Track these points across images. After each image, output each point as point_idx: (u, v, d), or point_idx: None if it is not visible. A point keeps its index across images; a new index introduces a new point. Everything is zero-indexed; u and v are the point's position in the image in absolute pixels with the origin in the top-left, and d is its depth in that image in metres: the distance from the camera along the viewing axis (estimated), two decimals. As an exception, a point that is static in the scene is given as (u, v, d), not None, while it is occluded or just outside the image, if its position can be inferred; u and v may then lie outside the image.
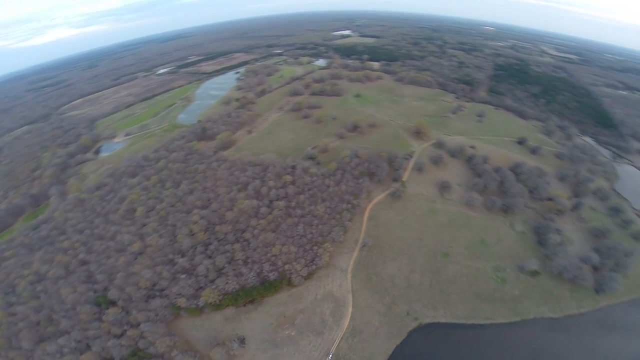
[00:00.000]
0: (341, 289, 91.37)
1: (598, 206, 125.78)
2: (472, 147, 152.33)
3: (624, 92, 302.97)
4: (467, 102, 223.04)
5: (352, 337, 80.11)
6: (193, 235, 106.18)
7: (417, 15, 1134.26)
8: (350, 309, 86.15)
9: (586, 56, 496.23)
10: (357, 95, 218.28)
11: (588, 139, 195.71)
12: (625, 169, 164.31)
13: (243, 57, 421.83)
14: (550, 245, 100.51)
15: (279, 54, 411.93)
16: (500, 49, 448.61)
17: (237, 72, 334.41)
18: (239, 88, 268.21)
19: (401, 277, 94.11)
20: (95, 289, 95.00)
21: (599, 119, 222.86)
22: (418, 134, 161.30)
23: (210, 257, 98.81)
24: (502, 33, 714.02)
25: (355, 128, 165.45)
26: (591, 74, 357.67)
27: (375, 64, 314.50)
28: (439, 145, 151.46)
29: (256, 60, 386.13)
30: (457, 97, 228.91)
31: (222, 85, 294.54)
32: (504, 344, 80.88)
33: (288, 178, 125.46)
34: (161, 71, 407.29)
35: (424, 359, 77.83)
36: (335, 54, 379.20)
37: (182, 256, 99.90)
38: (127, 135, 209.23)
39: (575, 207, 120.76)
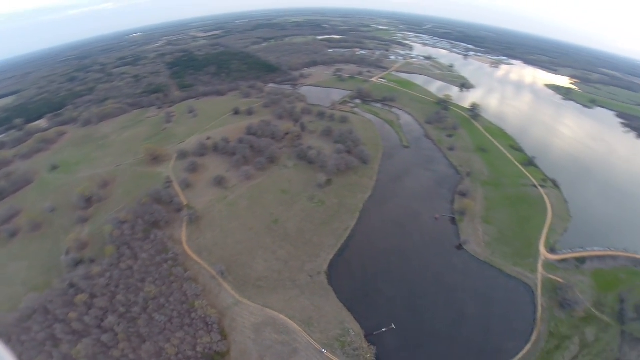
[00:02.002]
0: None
1: (314, 118, 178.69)
2: (209, 138, 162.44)
3: (264, 45, 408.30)
4: (171, 106, 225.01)
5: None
6: None
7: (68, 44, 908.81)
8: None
9: (226, 28, 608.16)
10: (54, 167, 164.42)
11: (272, 85, 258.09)
12: (303, 90, 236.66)
13: None
14: (314, 156, 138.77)
15: None
16: (160, 49, 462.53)
17: None
18: None
19: (264, 269, 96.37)
20: None
21: (265, 69, 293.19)
22: (156, 159, 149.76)
23: None
24: (149, 35, 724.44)
25: (89, 200, 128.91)
26: (237, 40, 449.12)
27: (42, 122, 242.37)
28: (183, 154, 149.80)
29: None
30: (159, 108, 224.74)
31: None
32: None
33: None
34: None
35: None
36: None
37: None
38: None
39: (302, 127, 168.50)
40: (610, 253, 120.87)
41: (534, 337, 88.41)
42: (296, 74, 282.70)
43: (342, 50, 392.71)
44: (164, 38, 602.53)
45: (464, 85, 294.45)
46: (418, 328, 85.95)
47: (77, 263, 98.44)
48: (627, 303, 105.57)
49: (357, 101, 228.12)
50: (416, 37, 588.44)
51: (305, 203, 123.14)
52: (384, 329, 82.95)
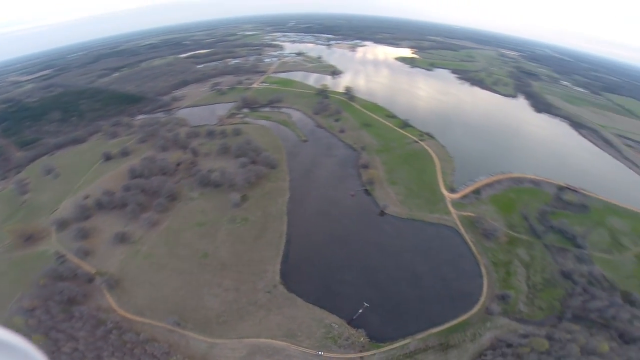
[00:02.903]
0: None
1: (204, 140, 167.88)
2: (86, 197, 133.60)
3: (115, 75, 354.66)
4: (19, 172, 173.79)
5: None
6: None
7: None
8: None
9: (56, 66, 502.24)
10: None
11: (142, 116, 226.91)
12: (182, 113, 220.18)
13: None
14: (218, 178, 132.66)
15: None
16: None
17: None
18: None
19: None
20: None
21: (126, 101, 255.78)
22: (30, 239, 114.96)
23: None
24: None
25: None
26: (78, 76, 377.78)
27: None
28: (62, 224, 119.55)
29: None
30: (2, 179, 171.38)
31: None
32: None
33: None
34: None
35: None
36: None
37: None
38: None
39: (194, 152, 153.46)
40: (494, 179, 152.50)
41: (484, 271, 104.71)
42: (167, 98, 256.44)
43: (213, 63, 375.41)
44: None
45: (334, 72, 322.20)
46: (387, 297, 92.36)
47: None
48: (530, 218, 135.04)
49: (245, 110, 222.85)
50: (283, 36, 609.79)
51: (228, 226, 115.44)
52: (360, 310, 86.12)
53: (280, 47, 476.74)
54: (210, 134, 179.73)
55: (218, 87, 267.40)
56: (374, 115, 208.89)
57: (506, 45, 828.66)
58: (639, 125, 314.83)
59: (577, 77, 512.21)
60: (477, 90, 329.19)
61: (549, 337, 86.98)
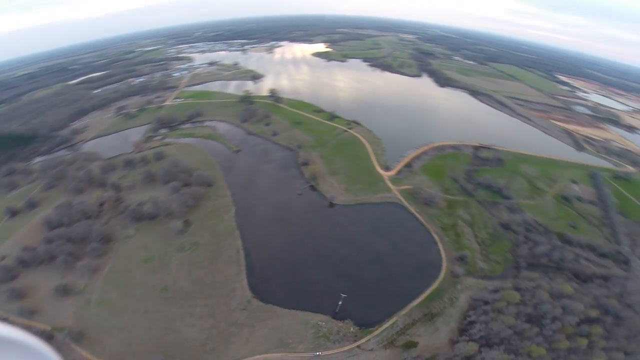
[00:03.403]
0: None
1: (123, 171, 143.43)
2: (3, 257, 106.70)
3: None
4: None
5: None
6: None
7: None
8: None
9: None
10: None
11: (40, 158, 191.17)
12: (88, 146, 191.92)
13: None
14: (152, 209, 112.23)
15: None
16: None
17: None
18: None
19: None
20: None
21: (15, 143, 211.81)
22: None
23: None
24: None
25: None
26: None
27: None
28: None
29: None
30: None
31: None
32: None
33: None
34: None
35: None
36: None
37: None
38: None
39: (116, 187, 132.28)
40: (420, 151, 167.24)
41: (436, 237, 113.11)
42: (65, 132, 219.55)
43: (112, 86, 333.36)
44: None
45: (255, 76, 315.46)
46: (359, 283, 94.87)
47: None
48: (460, 180, 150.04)
49: (163, 131, 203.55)
50: (191, 47, 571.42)
51: (179, 255, 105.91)
52: (340, 302, 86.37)
53: (189, 59, 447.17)
54: (129, 163, 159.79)
55: (125, 111, 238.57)
56: (302, 113, 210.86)
57: (403, 29, 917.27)
58: (521, 86, 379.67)
59: (465, 52, 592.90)
60: (387, 74, 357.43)
61: (516, 288, 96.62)
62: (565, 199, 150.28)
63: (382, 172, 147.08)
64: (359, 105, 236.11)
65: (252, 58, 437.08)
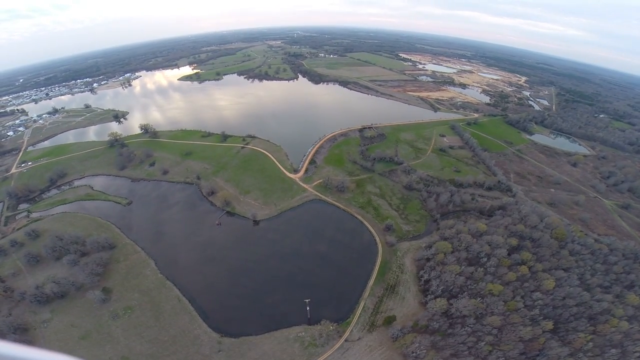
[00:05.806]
0: None
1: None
2: None
3: None
4: None
5: None
6: None
7: None
8: None
9: None
10: None
11: None
12: None
13: None
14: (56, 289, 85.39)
15: None
16: None
17: None
18: None
19: None
20: None
21: None
22: None
23: None
24: None
25: None
26: None
27: None
28: None
29: None
30: None
31: None
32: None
33: None
34: None
35: None
36: None
37: None
38: None
39: None
40: (317, 146, 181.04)
41: (359, 217, 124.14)
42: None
43: None
44: None
45: (117, 116, 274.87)
46: (316, 284, 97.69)
47: None
48: (357, 160, 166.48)
49: (25, 205, 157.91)
50: (17, 97, 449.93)
51: (118, 323, 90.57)
52: (308, 308, 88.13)
53: (22, 112, 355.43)
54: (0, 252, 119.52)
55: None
56: (189, 142, 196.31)
57: (270, 36, 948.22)
58: (377, 69, 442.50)
59: (327, 47, 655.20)
60: (267, 83, 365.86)
61: (444, 238, 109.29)
62: (442, 150, 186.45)
63: (292, 175, 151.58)
64: (249, 119, 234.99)
65: (107, 96, 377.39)
